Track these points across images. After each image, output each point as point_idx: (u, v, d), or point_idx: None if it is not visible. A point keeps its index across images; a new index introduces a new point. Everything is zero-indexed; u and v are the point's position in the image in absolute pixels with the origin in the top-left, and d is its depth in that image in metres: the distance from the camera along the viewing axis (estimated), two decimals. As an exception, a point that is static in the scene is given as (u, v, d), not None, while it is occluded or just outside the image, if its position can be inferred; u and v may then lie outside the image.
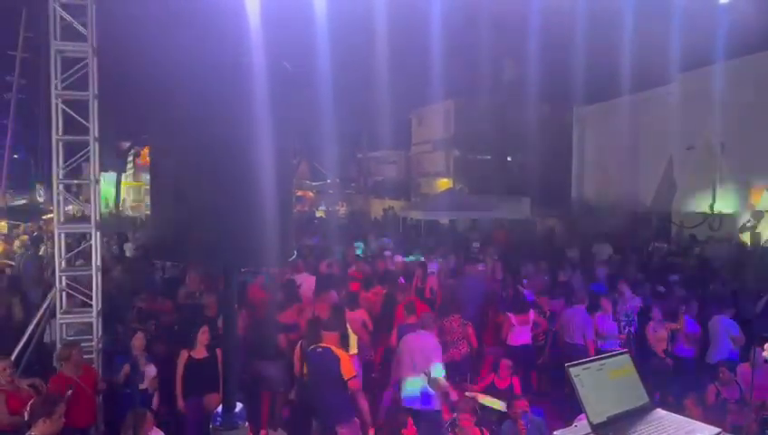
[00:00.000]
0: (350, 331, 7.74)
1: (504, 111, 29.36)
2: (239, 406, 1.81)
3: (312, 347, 6.40)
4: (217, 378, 6.61)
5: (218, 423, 1.78)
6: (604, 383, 1.84)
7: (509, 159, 32.46)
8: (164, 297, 9.95)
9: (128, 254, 15.29)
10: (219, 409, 1.83)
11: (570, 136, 26.83)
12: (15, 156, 31.07)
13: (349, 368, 6.16)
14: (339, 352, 6.26)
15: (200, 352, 7.15)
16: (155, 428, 5.73)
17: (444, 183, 33.48)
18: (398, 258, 12.96)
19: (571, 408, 2.01)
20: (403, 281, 11.10)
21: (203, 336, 7.15)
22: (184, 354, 7.15)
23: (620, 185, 22.21)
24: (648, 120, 21.08)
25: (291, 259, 1.80)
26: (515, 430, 6.07)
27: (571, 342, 9.00)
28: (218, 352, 6.77)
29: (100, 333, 7.45)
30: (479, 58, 25.53)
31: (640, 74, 20.08)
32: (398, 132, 37.91)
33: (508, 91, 30.85)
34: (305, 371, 6.65)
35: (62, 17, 7.09)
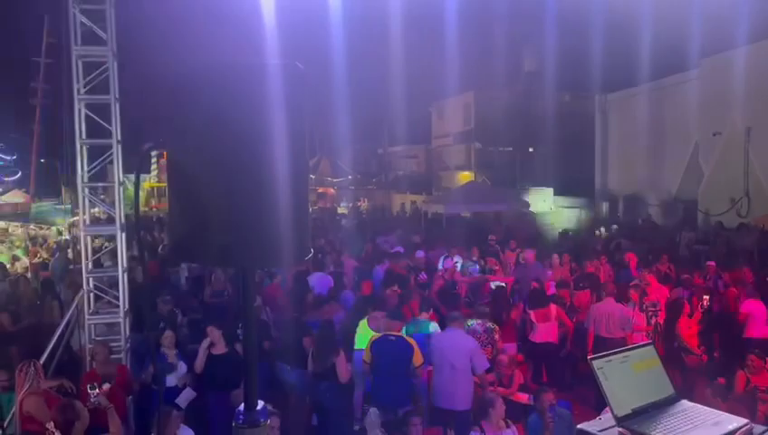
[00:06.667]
0: None
1: (525, 101, 29.13)
2: (261, 404, 1.82)
3: (380, 335, 6.63)
4: (241, 373, 6.51)
5: (241, 421, 1.79)
6: (628, 375, 1.82)
7: (531, 150, 32.17)
8: (189, 296, 10.05)
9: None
10: (241, 407, 1.84)
11: (592, 125, 26.50)
12: (42, 160, 31.61)
13: (419, 356, 6.52)
14: (410, 340, 6.62)
15: (219, 348, 6.96)
16: (182, 425, 5.77)
17: (465, 176, 33.31)
18: (420, 254, 12.85)
19: (597, 401, 1.99)
20: (425, 277, 11.04)
21: (212, 333, 6.99)
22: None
23: (645, 173, 21.88)
24: (672, 106, 20.74)
25: (307, 258, 1.79)
26: (542, 423, 6.02)
27: (606, 335, 8.55)
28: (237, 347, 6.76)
29: (127, 332, 7.55)
30: (498, 48, 25.37)
31: (662, 60, 19.78)
32: (418, 126, 37.93)
33: (528, 82, 30.63)
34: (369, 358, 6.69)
35: (81, 22, 7.19)
